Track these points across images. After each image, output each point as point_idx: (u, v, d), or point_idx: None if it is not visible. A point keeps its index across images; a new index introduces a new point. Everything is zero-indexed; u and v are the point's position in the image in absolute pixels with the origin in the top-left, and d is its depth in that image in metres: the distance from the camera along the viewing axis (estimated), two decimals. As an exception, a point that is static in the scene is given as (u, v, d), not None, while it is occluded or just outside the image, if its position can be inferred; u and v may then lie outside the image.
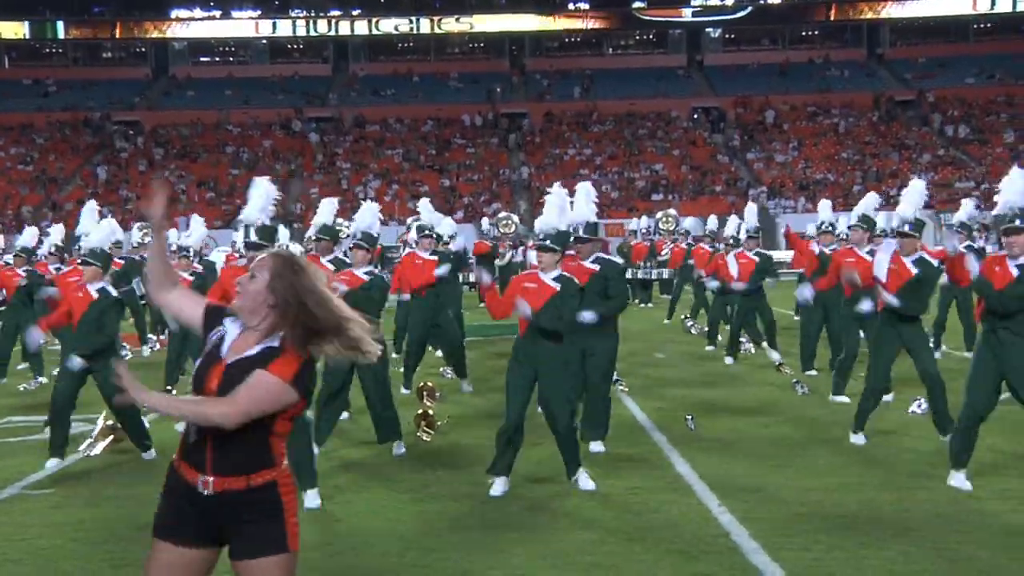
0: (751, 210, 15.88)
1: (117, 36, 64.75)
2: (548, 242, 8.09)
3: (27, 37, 64.11)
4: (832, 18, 65.34)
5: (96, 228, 9.85)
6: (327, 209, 11.42)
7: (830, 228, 13.85)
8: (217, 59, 67.01)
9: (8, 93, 60.95)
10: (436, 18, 64.30)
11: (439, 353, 14.95)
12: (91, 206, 11.28)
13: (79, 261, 9.68)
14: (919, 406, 10.64)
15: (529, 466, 8.26)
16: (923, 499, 7.48)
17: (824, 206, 14.74)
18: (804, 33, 67.26)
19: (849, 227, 12.39)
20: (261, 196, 8.97)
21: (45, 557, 6.65)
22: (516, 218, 32.16)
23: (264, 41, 66.35)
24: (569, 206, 8.86)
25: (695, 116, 59.99)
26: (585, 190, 9.47)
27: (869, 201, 12.65)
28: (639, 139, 56.92)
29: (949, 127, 56.12)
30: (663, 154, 55.26)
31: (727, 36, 67.62)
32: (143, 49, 66.38)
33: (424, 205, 14.88)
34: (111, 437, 9.80)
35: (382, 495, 8.01)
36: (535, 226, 8.29)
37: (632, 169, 53.50)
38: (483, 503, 7.71)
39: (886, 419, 10.46)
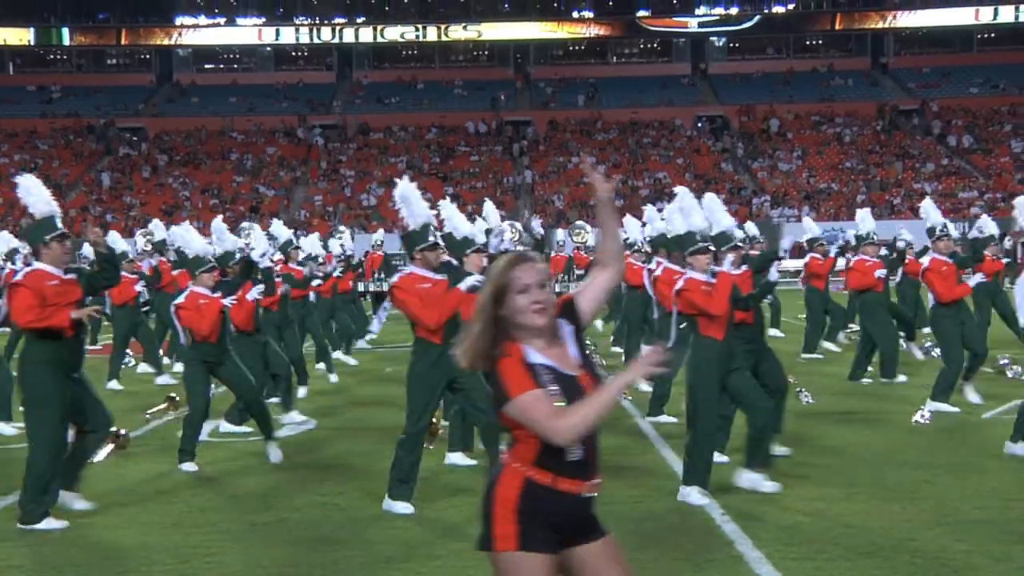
0: (864, 215, 14.82)
1: (122, 43, 64.85)
2: (709, 244, 8.25)
3: (32, 43, 64.21)
4: (836, 28, 65.40)
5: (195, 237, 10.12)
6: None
7: (874, 238, 13.92)
8: (221, 66, 67.09)
9: (12, 99, 61.07)
10: (443, 26, 64.30)
11: None
12: (217, 223, 11.66)
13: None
14: (922, 416, 10.70)
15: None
16: (927, 508, 7.47)
17: (864, 215, 14.56)
18: (808, 42, 67.31)
19: (936, 239, 12.02)
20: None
21: (47, 564, 6.65)
22: (520, 225, 31.91)
23: (268, 48, 66.40)
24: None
25: (699, 124, 60.03)
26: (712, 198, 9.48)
27: (930, 207, 12.43)
28: (643, 147, 56.94)
29: (953, 137, 56.11)
30: (667, 162, 55.28)
31: (731, 45, 67.65)
32: (147, 56, 66.46)
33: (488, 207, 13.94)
34: (114, 444, 9.83)
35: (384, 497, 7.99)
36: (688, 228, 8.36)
37: (636, 177, 53.52)
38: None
39: (890, 427, 10.48)
